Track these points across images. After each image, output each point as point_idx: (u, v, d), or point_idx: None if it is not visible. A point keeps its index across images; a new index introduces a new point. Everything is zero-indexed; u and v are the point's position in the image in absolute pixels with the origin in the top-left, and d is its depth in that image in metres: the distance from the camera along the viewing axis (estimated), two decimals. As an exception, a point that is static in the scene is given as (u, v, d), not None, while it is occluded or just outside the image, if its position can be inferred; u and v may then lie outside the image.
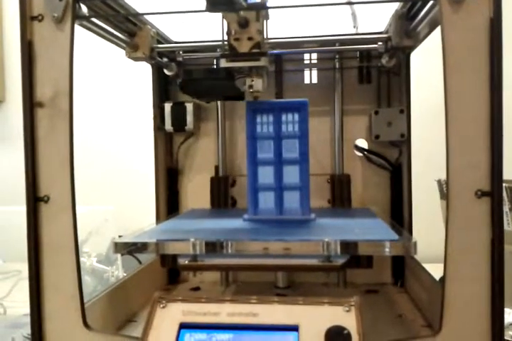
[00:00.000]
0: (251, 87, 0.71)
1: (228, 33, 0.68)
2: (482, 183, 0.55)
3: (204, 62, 0.99)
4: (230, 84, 0.73)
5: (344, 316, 0.52)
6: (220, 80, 0.73)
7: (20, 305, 1.03)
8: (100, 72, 1.53)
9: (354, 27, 1.01)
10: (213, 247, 0.63)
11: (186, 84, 0.77)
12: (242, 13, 0.66)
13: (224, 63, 0.69)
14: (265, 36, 0.70)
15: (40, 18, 0.62)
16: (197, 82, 0.75)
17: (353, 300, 0.53)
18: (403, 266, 0.95)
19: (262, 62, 0.68)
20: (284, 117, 0.80)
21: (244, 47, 0.68)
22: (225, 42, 0.69)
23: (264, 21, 0.70)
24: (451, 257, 0.57)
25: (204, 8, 0.62)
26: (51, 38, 0.62)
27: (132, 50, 0.85)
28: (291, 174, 0.79)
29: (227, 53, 0.68)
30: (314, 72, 1.00)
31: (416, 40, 0.80)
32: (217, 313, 0.54)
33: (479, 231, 0.56)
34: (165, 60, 0.97)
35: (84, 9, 0.67)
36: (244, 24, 0.67)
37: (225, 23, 0.68)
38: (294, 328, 0.52)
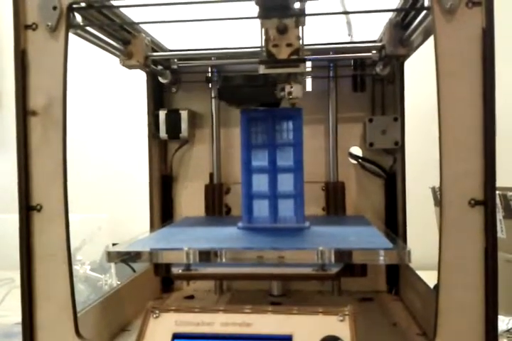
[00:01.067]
0: (290, 93, 0.70)
1: (267, 40, 0.67)
2: (475, 192, 0.55)
3: (205, 70, 0.98)
4: (268, 90, 0.72)
5: (338, 325, 0.52)
6: (257, 87, 0.72)
7: (13, 313, 1.02)
8: (95, 79, 1.53)
9: (349, 35, 1.01)
10: (207, 256, 0.63)
11: (225, 91, 0.76)
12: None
13: (263, 69, 0.68)
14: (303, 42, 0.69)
15: (34, 26, 0.62)
16: (235, 89, 0.74)
17: (347, 310, 0.53)
18: (398, 274, 0.94)
19: (301, 68, 0.68)
20: (278, 125, 0.80)
21: (283, 53, 0.67)
22: (263, 49, 0.67)
23: (302, 27, 0.68)
24: (445, 265, 0.57)
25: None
26: (45, 46, 0.62)
27: (126, 57, 0.85)
28: (286, 182, 0.79)
29: (267, 60, 0.67)
30: (309, 80, 1.00)
31: (410, 48, 0.80)
32: (210, 323, 0.53)
33: (473, 239, 0.56)
34: (160, 67, 0.97)
35: (78, 18, 0.67)
36: (283, 30, 0.66)
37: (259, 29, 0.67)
38: (288, 338, 0.52)
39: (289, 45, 0.67)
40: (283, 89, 0.71)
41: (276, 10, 0.63)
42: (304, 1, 0.65)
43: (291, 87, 0.70)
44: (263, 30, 0.67)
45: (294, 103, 0.74)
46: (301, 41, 0.67)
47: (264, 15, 0.63)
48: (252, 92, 0.74)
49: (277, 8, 0.63)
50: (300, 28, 0.67)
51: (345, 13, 0.86)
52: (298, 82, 0.71)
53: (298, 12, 0.65)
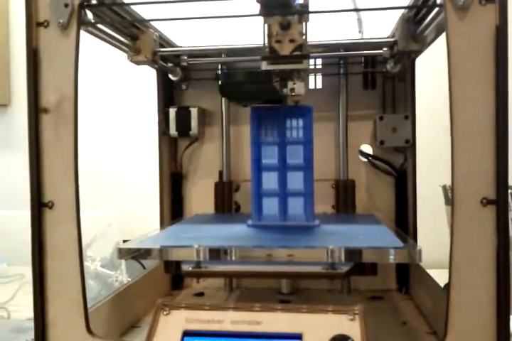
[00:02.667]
0: (292, 90, 0.69)
1: (269, 35, 0.66)
2: (488, 191, 0.55)
3: (215, 67, 0.98)
4: (270, 87, 0.71)
5: (348, 324, 0.52)
6: (260, 83, 0.70)
7: (24, 309, 1.03)
8: (106, 76, 1.54)
9: (359, 32, 1.01)
10: (217, 254, 0.63)
11: (226, 87, 0.75)
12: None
13: (265, 66, 0.67)
14: (306, 38, 0.68)
15: (45, 24, 0.63)
16: (237, 86, 0.72)
17: (357, 309, 0.53)
18: (408, 273, 0.94)
19: (304, 64, 0.67)
20: (288, 123, 0.80)
21: (286, 49, 0.66)
22: (266, 45, 0.66)
23: (305, 23, 0.67)
24: (457, 264, 0.56)
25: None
26: (57, 44, 0.62)
27: (134, 53, 0.85)
28: (296, 180, 0.79)
29: (269, 56, 0.66)
30: (319, 77, 1.00)
31: (422, 44, 0.79)
32: (220, 321, 0.54)
33: (485, 238, 0.56)
34: (170, 65, 0.97)
35: (89, 15, 0.68)
36: (286, 26, 0.65)
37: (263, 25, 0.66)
38: (298, 336, 0.52)
39: (292, 41, 0.66)
40: (286, 86, 0.70)
41: (277, 7, 0.62)
42: None
43: (294, 84, 0.69)
44: (266, 25, 0.66)
45: (298, 100, 0.73)
46: (304, 37, 0.66)
47: (265, 13, 0.62)
48: (254, 89, 0.72)
49: (278, 5, 0.62)
50: (304, 23, 0.66)
51: (353, 10, 0.86)
52: (301, 79, 0.69)
53: (300, 10, 0.64)
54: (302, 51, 0.66)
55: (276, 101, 0.77)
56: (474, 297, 0.56)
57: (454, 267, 0.56)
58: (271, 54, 0.66)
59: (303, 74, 0.70)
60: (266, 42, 0.66)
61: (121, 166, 1.55)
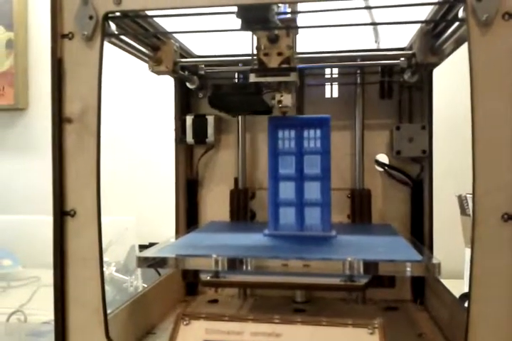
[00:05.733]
0: (280, 102, 0.71)
1: (258, 48, 0.68)
2: (509, 207, 0.55)
3: (231, 76, 0.99)
4: (259, 98, 0.72)
5: (368, 338, 0.52)
6: (248, 95, 0.72)
7: (41, 312, 1.04)
8: (125, 84, 1.55)
9: (376, 42, 1.01)
10: (235, 264, 0.63)
11: (215, 98, 0.76)
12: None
13: (253, 78, 0.69)
14: (295, 51, 0.70)
15: (70, 36, 0.64)
16: (226, 97, 0.74)
17: (376, 323, 0.53)
18: (423, 283, 0.94)
19: (292, 77, 0.68)
20: (306, 133, 0.80)
21: (273, 62, 0.68)
22: (255, 57, 0.68)
23: (294, 36, 0.69)
24: (477, 279, 0.56)
25: (239, 27, 0.63)
26: (81, 55, 0.63)
27: (155, 64, 0.86)
28: (313, 190, 0.79)
29: (257, 68, 0.68)
30: (335, 86, 1.00)
31: (441, 57, 0.79)
32: (240, 332, 0.54)
33: (505, 254, 0.55)
34: (187, 73, 0.98)
35: (112, 26, 0.69)
36: (274, 39, 0.67)
37: (255, 38, 0.68)
38: (317, 349, 0.52)
39: (279, 54, 0.68)
40: (273, 98, 0.71)
41: (256, 23, 0.63)
42: (281, 14, 0.65)
43: (282, 96, 0.71)
44: (255, 38, 0.68)
45: (286, 111, 0.74)
46: (292, 50, 0.68)
47: (245, 27, 0.64)
48: (243, 100, 0.74)
49: (257, 21, 0.63)
50: (292, 37, 0.68)
51: (369, 24, 0.86)
52: (288, 91, 0.71)
53: (278, 25, 0.66)
54: (290, 64, 0.68)
55: (266, 112, 0.78)
56: (494, 312, 0.56)
57: (474, 282, 0.56)
58: (259, 66, 0.67)
59: (290, 87, 0.71)
60: (255, 54, 0.68)
61: (140, 172, 1.57)
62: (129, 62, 0.90)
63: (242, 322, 0.55)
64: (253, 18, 0.62)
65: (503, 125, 0.55)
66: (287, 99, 0.71)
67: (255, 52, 0.68)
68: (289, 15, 0.67)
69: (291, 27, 0.67)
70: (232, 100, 0.74)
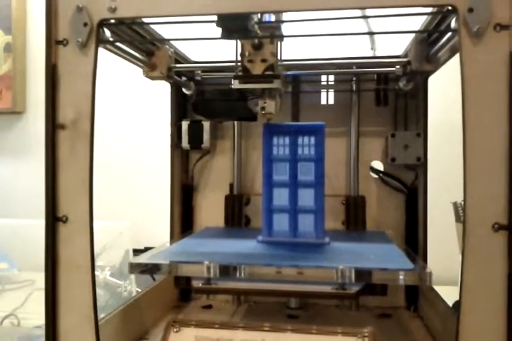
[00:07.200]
0: (263, 108, 0.71)
1: (242, 55, 0.69)
2: (500, 216, 0.55)
3: (220, 82, 1.00)
4: (243, 105, 0.72)
5: (357, 347, 0.52)
6: (232, 101, 0.73)
7: (34, 316, 1.04)
8: (120, 89, 1.55)
9: (372, 49, 1.01)
10: (228, 271, 0.63)
11: (198, 104, 0.77)
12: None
13: (237, 85, 0.69)
14: (279, 58, 0.70)
15: (64, 42, 0.64)
16: (209, 103, 0.75)
17: (366, 331, 0.53)
18: (417, 291, 0.94)
19: (275, 84, 0.68)
20: (300, 140, 0.81)
21: (257, 69, 0.68)
22: (239, 64, 0.69)
23: (279, 43, 0.70)
24: (467, 289, 0.56)
25: (220, 36, 0.63)
26: (75, 61, 0.64)
27: (150, 69, 0.86)
28: (306, 197, 0.80)
29: (240, 75, 0.68)
30: (331, 93, 1.01)
31: (436, 65, 0.80)
32: (230, 339, 0.54)
33: (496, 264, 0.55)
34: (183, 78, 0.98)
35: (106, 33, 0.69)
36: (258, 46, 0.67)
37: (239, 44, 0.69)
38: (307, 358, 0.52)
39: (263, 60, 0.68)
40: (257, 104, 0.71)
41: (236, 32, 0.64)
42: (262, 23, 0.65)
43: (265, 103, 0.71)
44: (239, 45, 0.68)
45: (270, 118, 0.75)
46: (275, 57, 0.68)
47: (225, 36, 0.64)
48: (227, 106, 0.74)
49: (237, 30, 0.63)
50: (276, 44, 0.68)
51: (366, 33, 0.86)
52: (272, 98, 0.71)
53: (266, 33, 0.66)
54: (274, 71, 0.68)
55: (250, 119, 0.78)
56: (485, 322, 0.56)
57: (464, 292, 0.56)
58: (243, 73, 0.68)
59: (274, 93, 0.72)
60: (239, 61, 0.69)
61: (134, 178, 1.57)
62: (126, 67, 0.90)
63: (232, 330, 0.55)
64: (233, 28, 0.62)
65: (494, 135, 0.55)
66: (271, 106, 0.71)
67: (239, 58, 0.69)
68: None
69: (271, 36, 0.67)
70: (215, 106, 0.75)
